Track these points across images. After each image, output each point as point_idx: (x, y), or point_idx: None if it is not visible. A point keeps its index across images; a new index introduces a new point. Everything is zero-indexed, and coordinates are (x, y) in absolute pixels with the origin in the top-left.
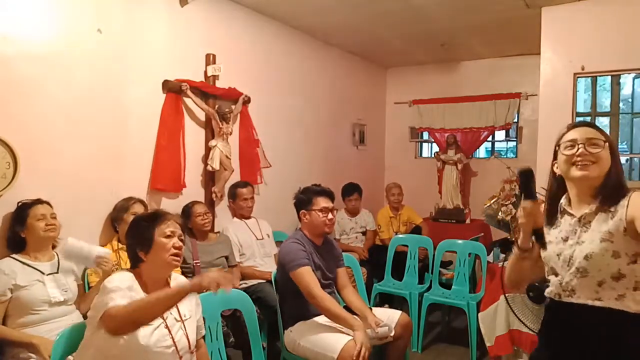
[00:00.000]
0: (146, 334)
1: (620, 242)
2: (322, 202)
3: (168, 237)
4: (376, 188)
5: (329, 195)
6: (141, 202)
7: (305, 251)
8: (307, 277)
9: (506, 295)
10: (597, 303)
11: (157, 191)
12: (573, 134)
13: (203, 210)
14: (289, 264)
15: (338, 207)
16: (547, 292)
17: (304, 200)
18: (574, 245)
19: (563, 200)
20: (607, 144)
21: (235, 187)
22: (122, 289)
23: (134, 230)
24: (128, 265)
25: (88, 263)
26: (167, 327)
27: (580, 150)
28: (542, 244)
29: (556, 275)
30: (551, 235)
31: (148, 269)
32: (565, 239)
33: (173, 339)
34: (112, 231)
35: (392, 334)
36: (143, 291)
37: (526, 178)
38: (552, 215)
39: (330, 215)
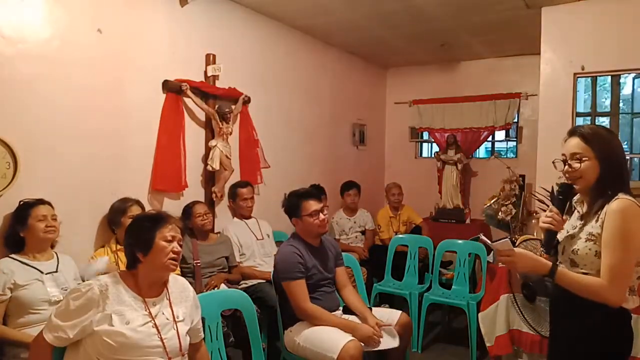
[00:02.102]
0: (132, 333)
1: (602, 244)
2: (311, 205)
3: (168, 241)
4: (376, 188)
5: (316, 195)
6: (138, 203)
7: (300, 262)
8: (298, 291)
9: (514, 295)
10: None
11: (159, 192)
12: (564, 147)
13: (203, 210)
14: (282, 273)
15: (339, 204)
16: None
17: (292, 207)
18: (568, 238)
19: (576, 197)
20: (594, 152)
21: (235, 187)
22: (71, 311)
23: (134, 231)
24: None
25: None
26: (155, 326)
27: (565, 168)
28: (547, 245)
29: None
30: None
31: (145, 271)
32: (568, 231)
33: (162, 339)
34: (108, 232)
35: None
36: (135, 293)
37: (565, 193)
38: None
39: (321, 216)
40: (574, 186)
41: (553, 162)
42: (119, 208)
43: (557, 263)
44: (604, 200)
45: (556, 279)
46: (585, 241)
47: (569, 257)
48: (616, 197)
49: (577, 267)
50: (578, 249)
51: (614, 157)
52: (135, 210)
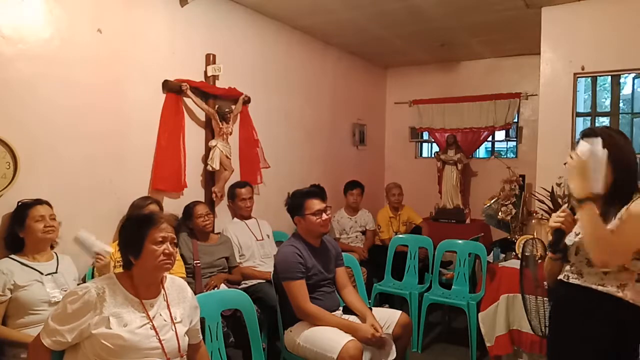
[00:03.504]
0: (130, 335)
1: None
2: (315, 204)
3: (159, 243)
4: (376, 188)
5: (320, 195)
6: (157, 202)
7: (301, 262)
8: (298, 291)
9: (528, 296)
10: (600, 288)
11: (159, 191)
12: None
13: (205, 211)
14: (282, 273)
15: (339, 204)
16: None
17: (295, 206)
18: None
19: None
20: (609, 157)
21: (234, 188)
22: (68, 315)
23: (124, 234)
24: None
25: (90, 256)
26: (153, 327)
27: None
28: (558, 248)
29: (567, 260)
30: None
31: (139, 273)
32: (577, 233)
33: (160, 341)
34: None
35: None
36: (132, 294)
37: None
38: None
39: (324, 216)
40: None
41: (565, 165)
42: (138, 205)
43: (570, 264)
44: (622, 203)
45: (586, 205)
46: None
47: (587, 257)
48: (637, 197)
49: (595, 266)
50: None
51: (626, 163)
52: (152, 209)
